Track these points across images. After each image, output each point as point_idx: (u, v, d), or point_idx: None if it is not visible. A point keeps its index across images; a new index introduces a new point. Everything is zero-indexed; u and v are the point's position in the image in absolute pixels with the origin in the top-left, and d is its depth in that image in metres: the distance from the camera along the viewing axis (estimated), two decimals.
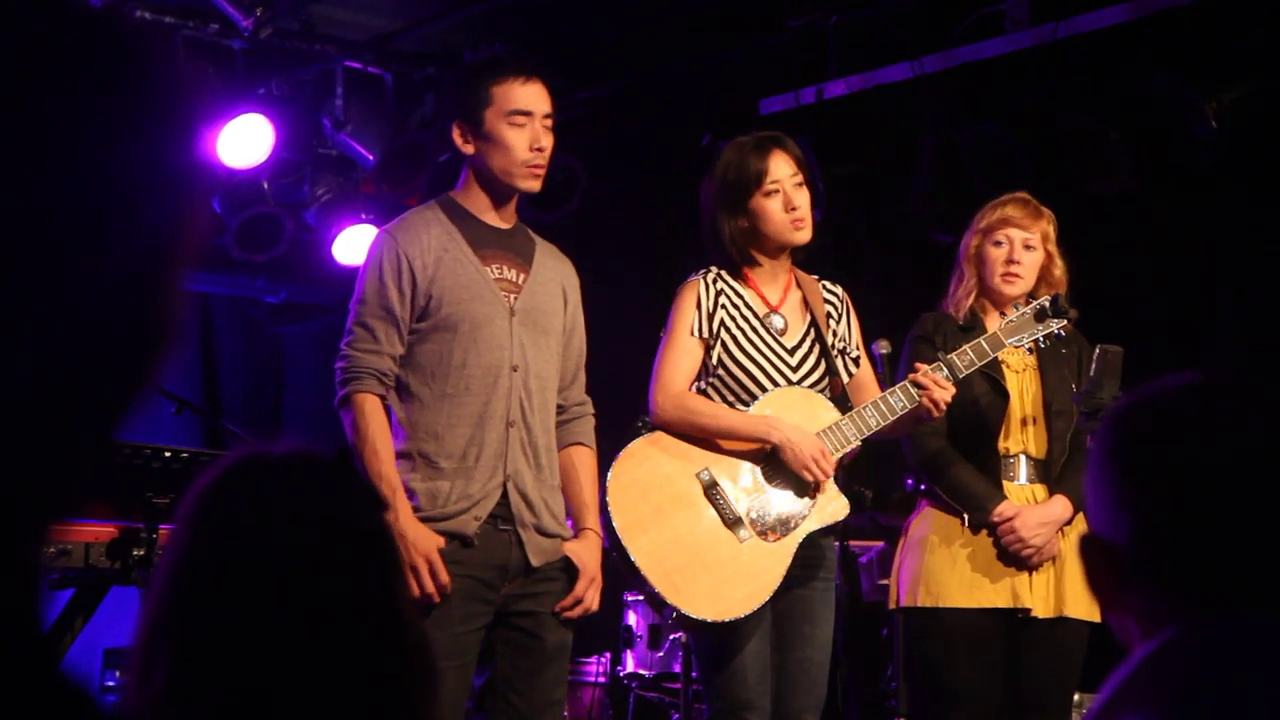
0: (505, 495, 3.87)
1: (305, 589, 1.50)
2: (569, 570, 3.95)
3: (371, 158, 6.94)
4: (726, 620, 3.99)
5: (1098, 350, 4.19)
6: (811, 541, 4.11)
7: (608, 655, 6.47)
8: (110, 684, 6.47)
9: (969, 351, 4.20)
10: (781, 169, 4.18)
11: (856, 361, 4.32)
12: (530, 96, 3.97)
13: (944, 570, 4.35)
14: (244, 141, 6.63)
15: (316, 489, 1.56)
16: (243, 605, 1.48)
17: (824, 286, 4.36)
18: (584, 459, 4.12)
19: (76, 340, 0.85)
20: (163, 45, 0.92)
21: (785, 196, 4.16)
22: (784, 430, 4.07)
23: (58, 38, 0.86)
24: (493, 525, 3.86)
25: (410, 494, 3.82)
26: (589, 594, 3.96)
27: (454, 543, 3.80)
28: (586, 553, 3.99)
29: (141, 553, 4.10)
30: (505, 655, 3.89)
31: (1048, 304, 4.29)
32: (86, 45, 0.87)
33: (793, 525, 4.09)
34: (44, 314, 0.83)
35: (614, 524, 4.00)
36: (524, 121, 3.94)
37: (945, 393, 4.08)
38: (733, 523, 4.06)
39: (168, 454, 4.13)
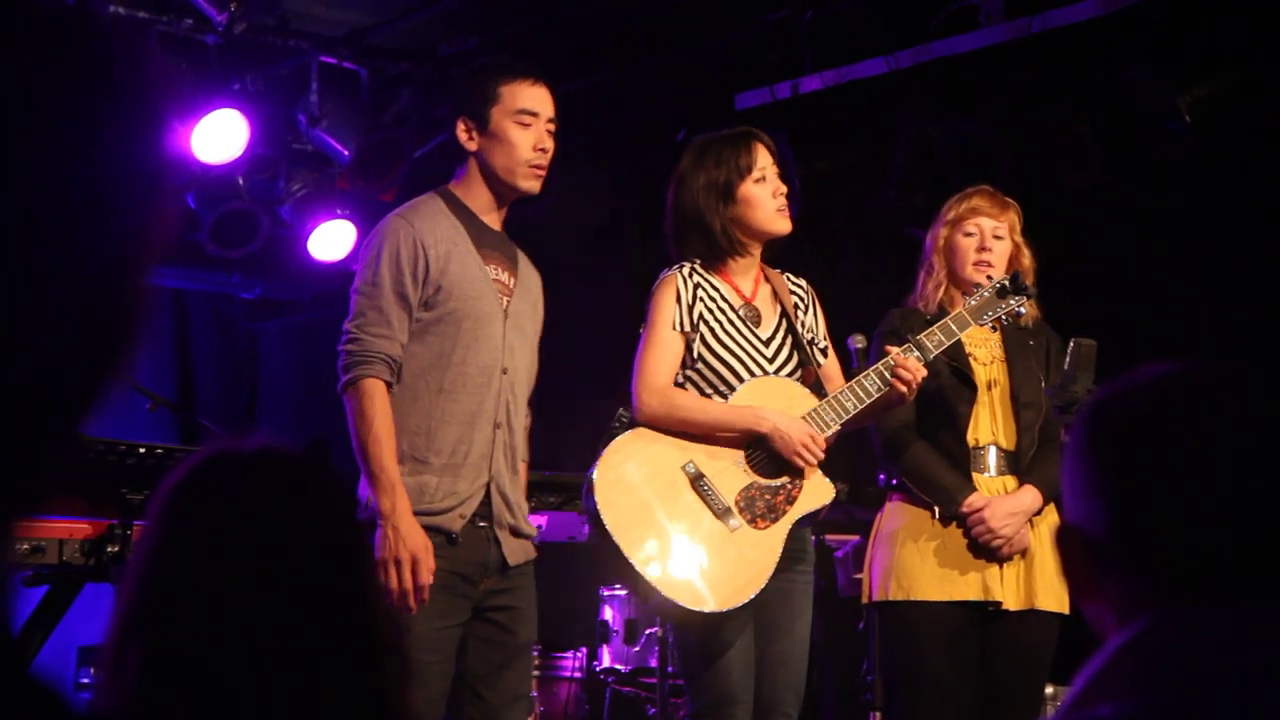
0: (488, 495, 3.90)
1: (276, 584, 1.49)
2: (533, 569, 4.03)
3: (347, 153, 6.91)
4: (724, 610, 3.99)
5: (1072, 343, 4.20)
6: (794, 532, 4.12)
7: (584, 650, 6.47)
8: (85, 681, 6.44)
9: (937, 332, 4.24)
10: (766, 158, 4.24)
11: (825, 353, 4.35)
12: (538, 98, 3.99)
13: (914, 563, 4.37)
14: (219, 137, 6.61)
15: (287, 484, 1.56)
16: (214, 601, 1.47)
17: (789, 279, 4.38)
18: (521, 479, 4.15)
19: (42, 335, 0.84)
20: (135, 41, 0.91)
21: (773, 184, 4.21)
22: (772, 419, 4.08)
23: (26, 33, 0.85)
24: (471, 524, 3.88)
25: None
26: None
27: (439, 538, 3.81)
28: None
29: (116, 549, 4.08)
30: (476, 649, 3.90)
31: (1008, 282, 4.35)
32: (56, 41, 0.86)
33: (782, 511, 4.10)
34: (8, 308, 0.83)
35: (604, 520, 4.00)
36: (530, 121, 3.96)
37: (918, 373, 4.11)
38: (722, 513, 4.06)
39: (142, 450, 4.10)
